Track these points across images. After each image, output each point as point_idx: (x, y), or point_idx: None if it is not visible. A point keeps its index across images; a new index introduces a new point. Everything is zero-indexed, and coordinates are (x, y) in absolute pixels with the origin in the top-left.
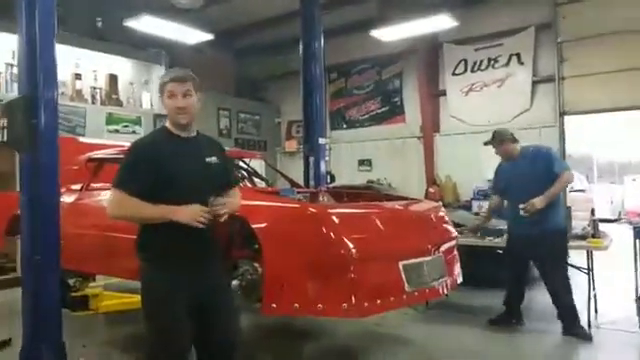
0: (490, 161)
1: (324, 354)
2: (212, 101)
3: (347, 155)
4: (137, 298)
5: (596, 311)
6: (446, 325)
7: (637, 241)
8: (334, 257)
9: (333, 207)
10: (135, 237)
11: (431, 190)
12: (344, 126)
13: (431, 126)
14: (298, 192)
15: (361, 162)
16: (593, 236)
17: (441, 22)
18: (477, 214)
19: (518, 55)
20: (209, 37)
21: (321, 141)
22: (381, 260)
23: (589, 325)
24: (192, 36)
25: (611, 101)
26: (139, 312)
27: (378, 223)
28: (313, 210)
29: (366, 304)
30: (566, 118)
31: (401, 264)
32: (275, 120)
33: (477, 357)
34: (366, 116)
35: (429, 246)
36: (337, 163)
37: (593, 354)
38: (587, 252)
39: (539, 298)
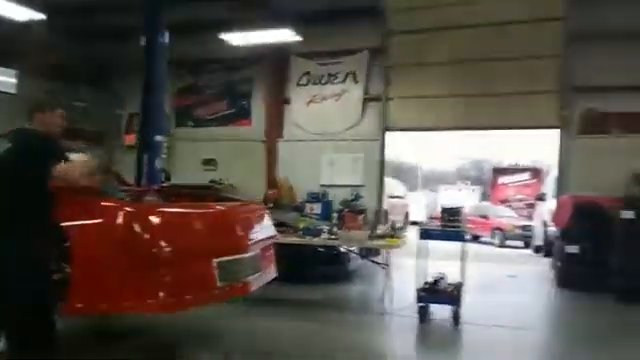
0: (327, 168)
1: (147, 351)
2: (38, 86)
3: (192, 154)
4: None
5: (391, 300)
6: (264, 318)
7: (421, 240)
8: (144, 255)
9: (150, 206)
10: None
11: (270, 192)
12: (191, 124)
13: (275, 131)
14: (123, 190)
15: (206, 161)
16: (392, 236)
17: (285, 35)
18: (304, 215)
19: (354, 74)
20: (40, 16)
21: (158, 138)
22: (194, 257)
23: (382, 312)
24: (21, 13)
25: (429, 121)
26: None
27: (196, 223)
28: (128, 209)
29: (174, 300)
30: (391, 133)
31: (215, 261)
32: (117, 111)
33: (294, 348)
34: (214, 116)
35: (246, 244)
36: (182, 161)
37: (379, 336)
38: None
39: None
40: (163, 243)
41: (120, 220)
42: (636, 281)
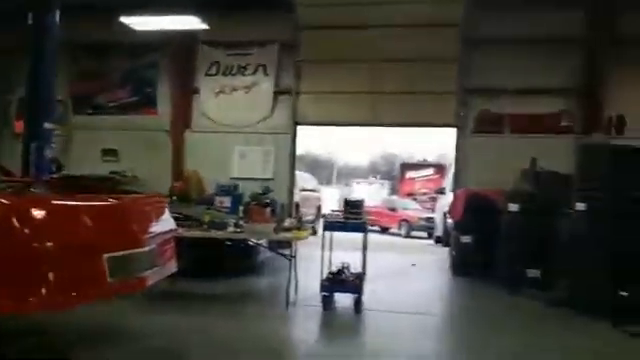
0: (238, 161)
1: (38, 351)
2: None
3: (92, 143)
4: None
5: (296, 291)
6: (165, 313)
7: (325, 232)
8: (24, 251)
9: (32, 199)
10: None
11: (176, 184)
12: (90, 112)
13: (182, 122)
14: (4, 181)
15: (106, 152)
16: (298, 229)
17: (191, 22)
18: (211, 209)
19: (264, 66)
20: None
21: (47, 126)
22: (81, 253)
23: (287, 303)
24: None
25: (338, 116)
26: None
27: (84, 216)
28: (3, 201)
29: (60, 298)
30: (305, 128)
31: (105, 256)
32: (6, 97)
33: (190, 344)
34: (115, 104)
35: (141, 238)
36: (80, 151)
37: (282, 326)
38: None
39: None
40: (46, 238)
41: None
42: (517, 267)
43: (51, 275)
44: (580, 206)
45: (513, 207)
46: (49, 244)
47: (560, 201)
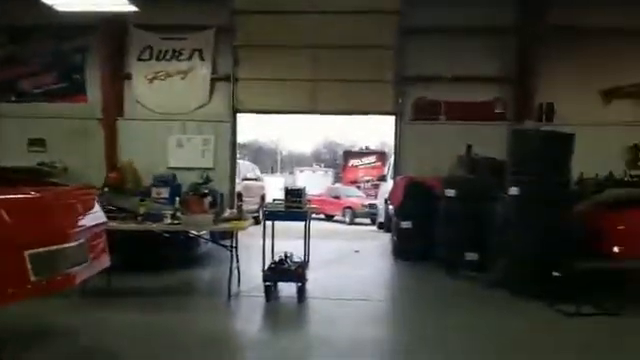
0: (175, 150)
1: None
2: None
3: (16, 133)
4: None
5: (239, 282)
6: (99, 310)
7: (267, 222)
8: None
9: None
10: None
11: (111, 175)
12: (13, 99)
13: (114, 109)
14: None
15: (33, 142)
16: (239, 219)
17: (118, 4)
18: (144, 200)
19: (200, 51)
20: None
21: None
22: (0, 250)
23: (229, 295)
24: None
25: (277, 103)
26: None
27: (4, 211)
28: None
29: None
30: (245, 115)
31: (27, 253)
32: None
33: (126, 341)
34: (41, 90)
35: (68, 233)
36: (5, 141)
37: (223, 318)
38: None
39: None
40: None
41: None
42: (455, 251)
43: None
44: (513, 190)
45: (450, 192)
46: None
47: (495, 186)
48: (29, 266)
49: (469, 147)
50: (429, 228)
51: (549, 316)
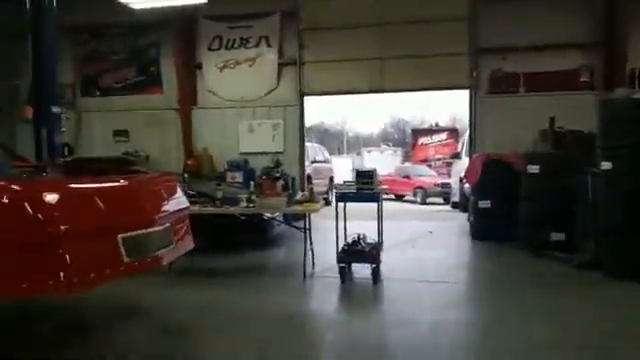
0: (247, 136)
1: (68, 332)
2: None
3: (101, 125)
4: None
5: (313, 263)
6: (183, 290)
7: (339, 203)
8: (39, 235)
9: (44, 184)
10: None
11: (189, 162)
12: (97, 94)
13: (188, 99)
14: (18, 167)
15: (117, 133)
16: (310, 201)
17: None
18: (220, 185)
19: (267, 38)
20: None
21: (54, 110)
22: (96, 235)
23: (304, 275)
24: None
25: (345, 85)
26: None
27: (97, 198)
28: (15, 188)
29: (78, 279)
30: (312, 99)
31: (120, 237)
32: (13, 82)
33: (211, 318)
34: (121, 84)
35: (154, 218)
36: (91, 133)
37: (299, 299)
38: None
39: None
40: (59, 221)
41: (5, 200)
42: (540, 231)
43: (68, 258)
44: (605, 165)
45: (533, 169)
46: (63, 227)
47: (582, 161)
48: (122, 248)
49: (552, 120)
50: (509, 207)
51: None
